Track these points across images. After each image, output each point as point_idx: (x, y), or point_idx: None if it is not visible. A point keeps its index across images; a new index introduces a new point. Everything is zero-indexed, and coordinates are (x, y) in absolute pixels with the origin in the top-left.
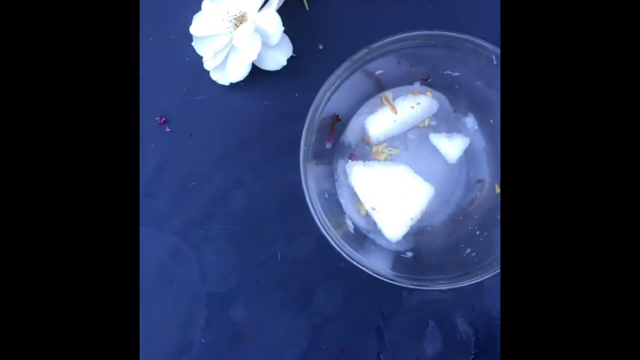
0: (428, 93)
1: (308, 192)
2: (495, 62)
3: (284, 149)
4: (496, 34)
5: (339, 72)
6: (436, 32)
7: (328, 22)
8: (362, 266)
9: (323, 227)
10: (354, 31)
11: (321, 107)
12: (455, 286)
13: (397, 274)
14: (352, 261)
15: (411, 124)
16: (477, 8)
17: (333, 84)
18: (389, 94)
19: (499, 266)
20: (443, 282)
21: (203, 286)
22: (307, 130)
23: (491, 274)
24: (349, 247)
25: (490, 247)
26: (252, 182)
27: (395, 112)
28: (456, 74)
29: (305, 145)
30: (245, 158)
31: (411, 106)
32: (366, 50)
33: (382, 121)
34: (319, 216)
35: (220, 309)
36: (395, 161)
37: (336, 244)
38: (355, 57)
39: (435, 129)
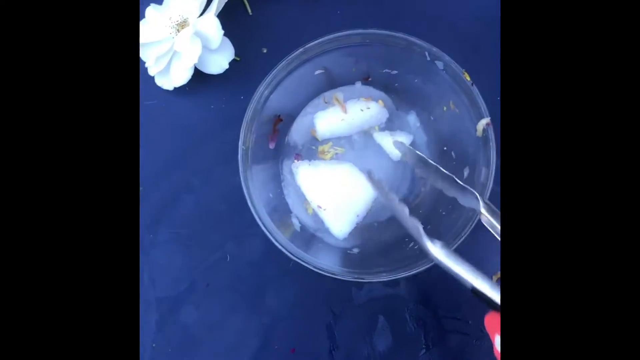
0: (380, 101)
1: (249, 195)
2: (428, 59)
3: (231, 152)
4: (429, 30)
5: (275, 71)
6: (370, 30)
7: (272, 25)
8: (309, 265)
9: (267, 229)
10: (298, 34)
11: (259, 107)
12: (395, 277)
13: (343, 269)
14: (299, 261)
15: (358, 127)
16: (412, 8)
17: (270, 83)
18: (339, 94)
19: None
20: (384, 273)
21: (153, 290)
22: (245, 131)
23: (428, 265)
24: (294, 247)
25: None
26: (200, 185)
27: (345, 112)
28: (394, 72)
29: (244, 145)
30: (192, 162)
31: (360, 109)
32: (302, 49)
33: (330, 119)
34: (262, 218)
35: (170, 313)
36: (341, 160)
37: (281, 245)
38: (291, 56)
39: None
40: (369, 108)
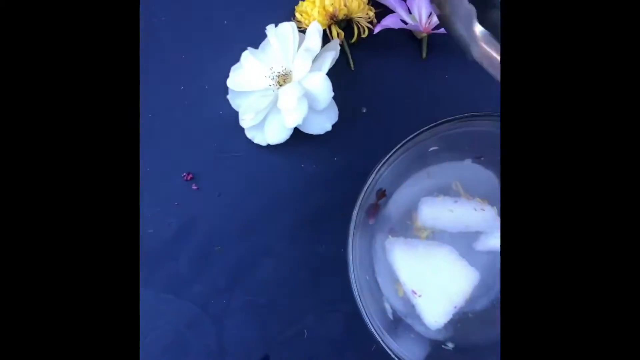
0: (495, 207)
1: (353, 267)
2: None
3: (318, 217)
4: None
5: (397, 151)
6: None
7: (373, 83)
8: (395, 355)
9: (362, 305)
10: (402, 94)
11: (373, 183)
12: None
13: None
14: (385, 347)
15: (464, 226)
16: None
17: (387, 161)
18: (458, 183)
19: None
20: None
21: None
22: (359, 208)
23: None
24: (384, 331)
25: None
26: (282, 250)
27: (465, 198)
28: None
29: (355, 222)
30: (275, 223)
31: (474, 208)
32: (428, 132)
33: (438, 208)
34: (359, 293)
35: None
36: (438, 240)
37: (372, 325)
38: (416, 138)
39: None
40: (483, 210)
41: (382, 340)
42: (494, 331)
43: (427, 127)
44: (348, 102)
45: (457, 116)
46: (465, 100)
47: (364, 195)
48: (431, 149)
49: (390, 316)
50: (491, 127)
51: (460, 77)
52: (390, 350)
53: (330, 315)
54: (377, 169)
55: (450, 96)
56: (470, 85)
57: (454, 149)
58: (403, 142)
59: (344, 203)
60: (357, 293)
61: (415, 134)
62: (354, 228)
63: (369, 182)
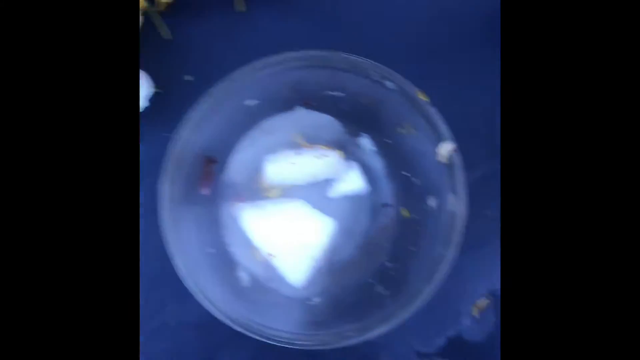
0: (339, 152)
1: (177, 259)
2: (376, 79)
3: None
4: (372, 49)
5: (197, 106)
6: (308, 52)
7: (194, 49)
8: (256, 335)
9: (195, 284)
10: (226, 57)
11: (183, 149)
12: (368, 337)
13: (304, 332)
14: (245, 332)
15: (312, 176)
16: (354, 22)
17: (192, 120)
18: (296, 134)
19: (416, 304)
20: (353, 335)
21: None
22: (170, 183)
23: (407, 315)
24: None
25: (404, 281)
26: None
27: (309, 148)
28: (340, 94)
29: (167, 196)
30: None
31: (316, 156)
32: (229, 80)
33: (281, 165)
34: (198, 283)
35: None
36: (291, 197)
37: (207, 299)
38: (214, 88)
39: None
40: (326, 156)
41: (219, 312)
42: (362, 275)
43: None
44: (169, 72)
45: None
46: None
47: (169, 166)
48: (249, 102)
49: (247, 284)
50: (308, 70)
51: (281, 25)
52: (232, 320)
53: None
54: (176, 132)
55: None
56: (291, 32)
57: (277, 99)
58: (203, 97)
59: None
60: (183, 275)
61: (213, 87)
62: (172, 204)
63: (173, 147)
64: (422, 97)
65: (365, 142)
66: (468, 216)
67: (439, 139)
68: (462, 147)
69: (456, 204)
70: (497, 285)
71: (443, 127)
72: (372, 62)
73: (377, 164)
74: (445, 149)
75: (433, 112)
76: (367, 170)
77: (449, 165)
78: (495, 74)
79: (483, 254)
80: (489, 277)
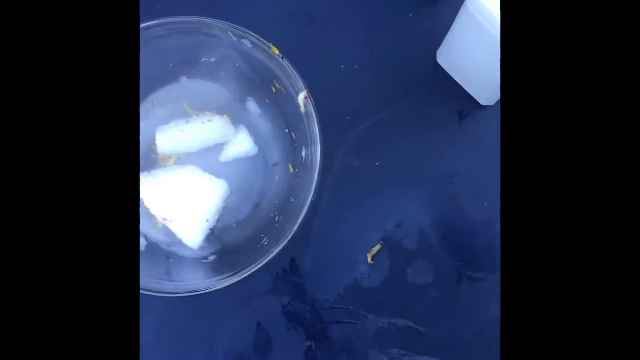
0: (225, 116)
1: None
2: (234, 39)
3: None
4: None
5: None
6: (170, 18)
7: None
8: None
9: None
10: None
11: None
12: (246, 274)
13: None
14: (147, 292)
15: (202, 142)
16: None
17: None
18: (184, 104)
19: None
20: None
21: None
22: None
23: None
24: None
25: (282, 231)
26: None
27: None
28: (212, 59)
29: None
30: None
31: (202, 121)
32: None
33: (172, 134)
34: None
35: None
36: (185, 164)
37: None
38: None
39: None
40: (210, 120)
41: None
42: (255, 231)
43: None
44: None
45: None
46: None
47: None
48: None
49: (143, 248)
50: (181, 38)
51: None
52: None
53: None
54: None
55: None
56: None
57: (159, 68)
58: None
59: None
60: None
61: None
62: None
63: None
64: (275, 51)
65: (251, 105)
66: (345, 165)
67: (299, 90)
68: (347, 102)
69: (314, 151)
70: (390, 231)
71: (299, 78)
72: (228, 22)
73: (263, 125)
74: (301, 98)
75: (287, 64)
76: (255, 132)
77: (307, 114)
78: None
79: (374, 203)
80: (382, 224)
